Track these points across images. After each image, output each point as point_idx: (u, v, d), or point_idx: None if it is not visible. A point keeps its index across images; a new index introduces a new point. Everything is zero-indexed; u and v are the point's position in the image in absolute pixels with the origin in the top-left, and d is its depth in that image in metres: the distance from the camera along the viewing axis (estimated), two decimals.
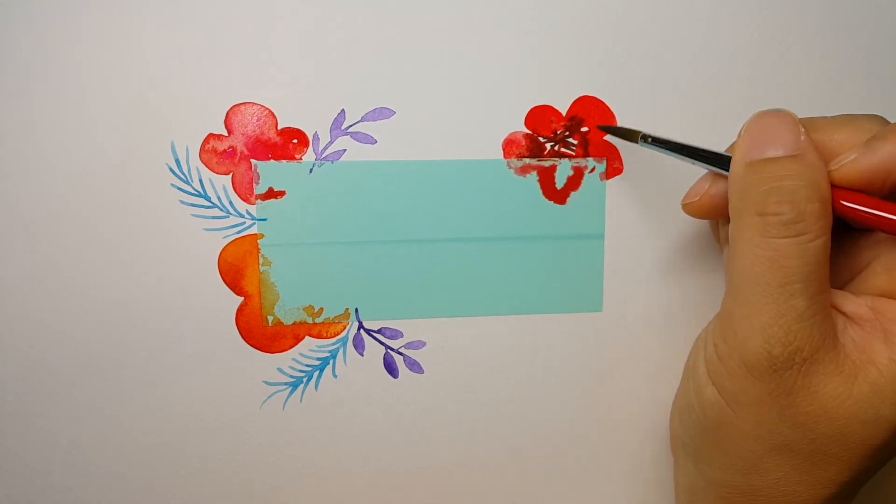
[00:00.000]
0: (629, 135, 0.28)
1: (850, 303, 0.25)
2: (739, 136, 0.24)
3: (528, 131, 0.29)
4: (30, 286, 0.28)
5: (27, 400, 0.29)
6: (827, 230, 0.22)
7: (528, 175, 0.29)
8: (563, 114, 0.29)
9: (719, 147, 0.25)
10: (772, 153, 0.23)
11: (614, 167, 0.30)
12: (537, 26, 0.28)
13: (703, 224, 0.30)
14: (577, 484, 0.32)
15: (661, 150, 0.26)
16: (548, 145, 0.29)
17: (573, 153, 0.29)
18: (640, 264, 0.30)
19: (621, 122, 0.29)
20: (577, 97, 0.29)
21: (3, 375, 0.28)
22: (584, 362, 0.31)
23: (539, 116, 0.29)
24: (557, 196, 0.30)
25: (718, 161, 0.25)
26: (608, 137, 0.29)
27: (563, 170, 0.30)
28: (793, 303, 0.22)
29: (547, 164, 0.29)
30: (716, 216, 0.26)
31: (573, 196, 0.30)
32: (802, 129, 0.23)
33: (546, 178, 0.29)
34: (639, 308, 0.31)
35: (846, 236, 0.25)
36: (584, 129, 0.29)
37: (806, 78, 0.30)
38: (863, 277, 0.25)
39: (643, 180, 0.30)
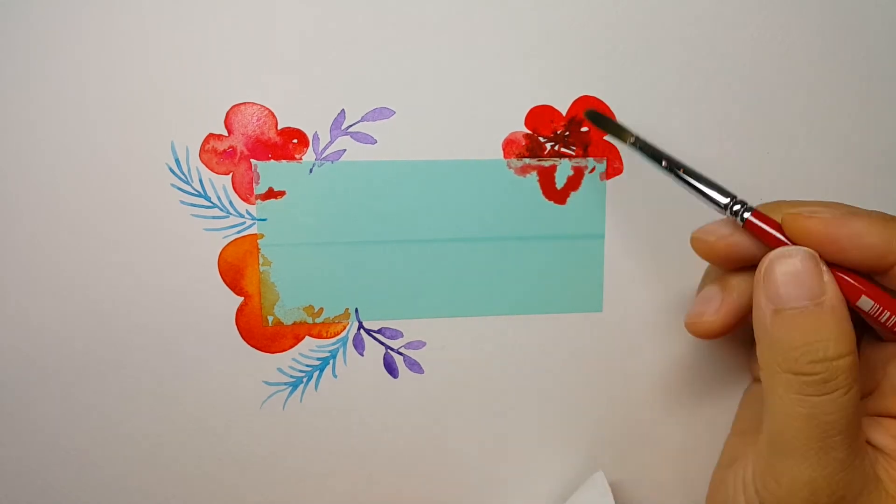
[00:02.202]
0: (620, 133, 0.27)
1: (876, 434, 0.24)
2: (759, 276, 0.23)
3: (528, 131, 0.29)
4: (30, 286, 0.28)
5: (27, 400, 0.29)
6: (857, 377, 0.22)
7: (528, 175, 0.29)
8: (563, 114, 0.29)
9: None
10: (796, 303, 0.22)
11: (614, 167, 0.30)
12: (537, 26, 0.28)
13: None
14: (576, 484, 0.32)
15: (648, 159, 0.26)
16: (548, 145, 0.29)
17: (573, 153, 0.29)
18: (640, 264, 0.30)
19: (621, 122, 0.29)
20: (577, 97, 0.29)
21: (3, 375, 0.28)
22: (584, 362, 0.31)
23: (539, 116, 0.29)
24: (557, 196, 0.30)
25: (709, 188, 0.24)
26: (608, 137, 0.29)
27: (563, 170, 0.29)
28: (834, 454, 0.22)
29: (547, 164, 0.29)
30: (723, 265, 0.26)
31: (573, 196, 0.30)
32: (825, 269, 0.23)
33: (546, 178, 0.29)
34: (639, 308, 0.31)
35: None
36: (585, 129, 0.29)
37: (806, 78, 0.30)
38: (876, 397, 0.25)
39: (643, 180, 0.30)
